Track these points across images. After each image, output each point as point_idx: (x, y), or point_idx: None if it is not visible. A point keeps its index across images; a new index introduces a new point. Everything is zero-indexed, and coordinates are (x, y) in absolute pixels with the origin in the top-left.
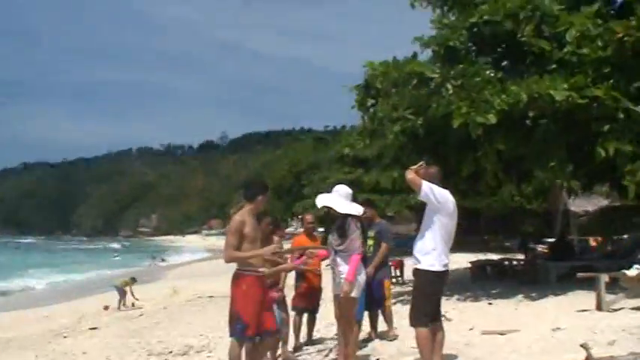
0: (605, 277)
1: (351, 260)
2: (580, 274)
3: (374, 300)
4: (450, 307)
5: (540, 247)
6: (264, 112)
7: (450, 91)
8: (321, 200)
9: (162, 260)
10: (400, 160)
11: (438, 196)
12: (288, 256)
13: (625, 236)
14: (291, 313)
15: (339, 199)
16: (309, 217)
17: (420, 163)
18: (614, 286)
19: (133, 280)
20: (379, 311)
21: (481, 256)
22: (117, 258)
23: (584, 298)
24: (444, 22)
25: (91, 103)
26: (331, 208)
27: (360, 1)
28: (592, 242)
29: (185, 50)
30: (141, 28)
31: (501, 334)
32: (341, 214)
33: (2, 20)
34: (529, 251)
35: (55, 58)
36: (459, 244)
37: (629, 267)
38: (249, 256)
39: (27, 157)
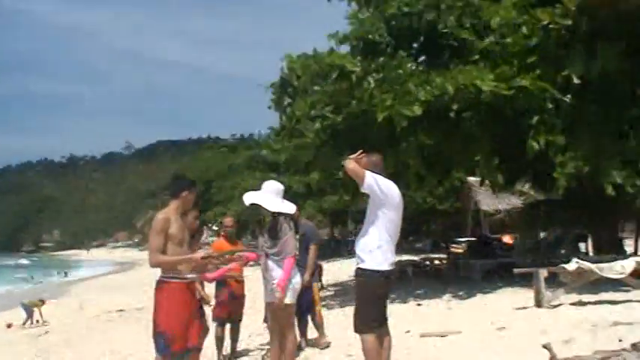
0: (544, 273)
1: (284, 264)
2: (517, 270)
3: (303, 306)
4: None
5: (453, 247)
6: (170, 122)
7: (372, 85)
8: (249, 198)
9: (65, 275)
10: (316, 163)
11: (383, 188)
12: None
13: (542, 233)
14: (212, 324)
15: (269, 196)
16: (228, 220)
17: (360, 151)
18: (549, 281)
19: (42, 302)
20: (308, 318)
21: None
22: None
23: (517, 295)
24: (360, 18)
25: None
26: (260, 207)
27: (267, 9)
28: (508, 240)
29: (86, 59)
30: (38, 36)
31: (442, 336)
32: (272, 212)
33: None
34: (450, 251)
35: None
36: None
37: (567, 261)
38: (177, 261)
39: None
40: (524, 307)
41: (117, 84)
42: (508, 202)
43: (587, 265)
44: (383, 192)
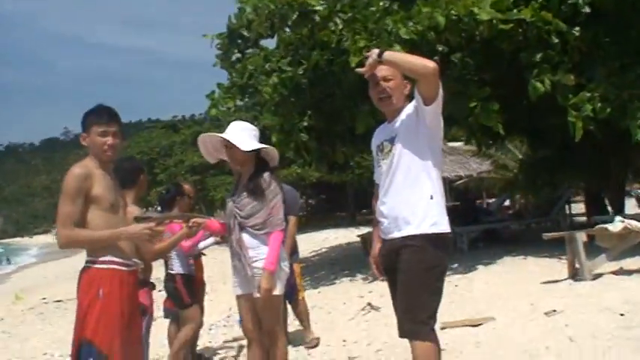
0: (582, 236)
1: (270, 240)
2: (547, 235)
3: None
4: (364, 290)
5: None
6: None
7: (340, 25)
8: (207, 136)
9: (8, 261)
10: (275, 123)
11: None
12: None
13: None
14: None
15: (241, 134)
16: (188, 187)
17: (371, 51)
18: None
19: None
20: (289, 308)
21: (354, 231)
22: None
23: (531, 266)
24: None
25: None
26: (232, 147)
27: None
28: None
29: (22, 44)
30: None
31: (473, 326)
32: (248, 154)
33: None
34: None
35: None
36: (326, 220)
37: (610, 221)
38: (104, 238)
39: None
40: (557, 281)
41: (55, 69)
42: (469, 167)
43: (636, 224)
44: (440, 114)
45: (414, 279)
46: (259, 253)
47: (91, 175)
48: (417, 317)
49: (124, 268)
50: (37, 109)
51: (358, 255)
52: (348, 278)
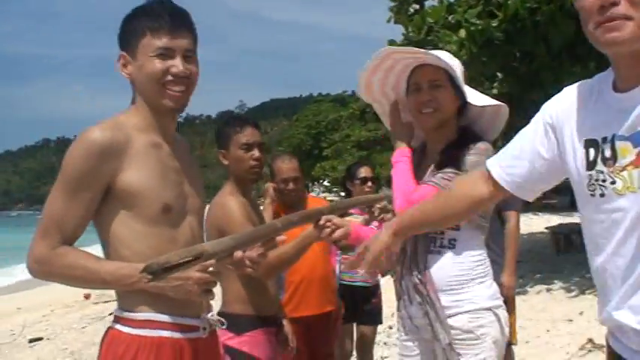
0: None
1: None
2: None
3: None
4: (572, 309)
5: None
6: (282, 81)
7: None
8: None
9: None
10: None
11: None
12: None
13: None
14: None
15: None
16: (286, 165)
17: None
18: None
19: None
20: None
21: (534, 218)
22: None
23: None
24: None
25: (111, 79)
26: (440, 88)
27: None
28: None
29: (199, 20)
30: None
31: None
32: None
33: None
34: None
35: (77, 32)
36: (538, 205)
37: None
38: (110, 275)
39: (48, 133)
40: None
41: (229, 44)
42: None
43: None
44: None
45: None
46: (462, 298)
47: (123, 145)
48: None
49: (178, 335)
50: (214, 83)
51: (546, 254)
52: (545, 287)
